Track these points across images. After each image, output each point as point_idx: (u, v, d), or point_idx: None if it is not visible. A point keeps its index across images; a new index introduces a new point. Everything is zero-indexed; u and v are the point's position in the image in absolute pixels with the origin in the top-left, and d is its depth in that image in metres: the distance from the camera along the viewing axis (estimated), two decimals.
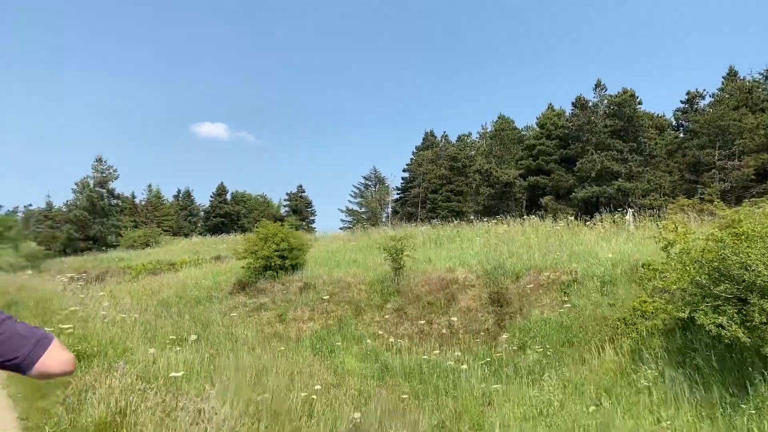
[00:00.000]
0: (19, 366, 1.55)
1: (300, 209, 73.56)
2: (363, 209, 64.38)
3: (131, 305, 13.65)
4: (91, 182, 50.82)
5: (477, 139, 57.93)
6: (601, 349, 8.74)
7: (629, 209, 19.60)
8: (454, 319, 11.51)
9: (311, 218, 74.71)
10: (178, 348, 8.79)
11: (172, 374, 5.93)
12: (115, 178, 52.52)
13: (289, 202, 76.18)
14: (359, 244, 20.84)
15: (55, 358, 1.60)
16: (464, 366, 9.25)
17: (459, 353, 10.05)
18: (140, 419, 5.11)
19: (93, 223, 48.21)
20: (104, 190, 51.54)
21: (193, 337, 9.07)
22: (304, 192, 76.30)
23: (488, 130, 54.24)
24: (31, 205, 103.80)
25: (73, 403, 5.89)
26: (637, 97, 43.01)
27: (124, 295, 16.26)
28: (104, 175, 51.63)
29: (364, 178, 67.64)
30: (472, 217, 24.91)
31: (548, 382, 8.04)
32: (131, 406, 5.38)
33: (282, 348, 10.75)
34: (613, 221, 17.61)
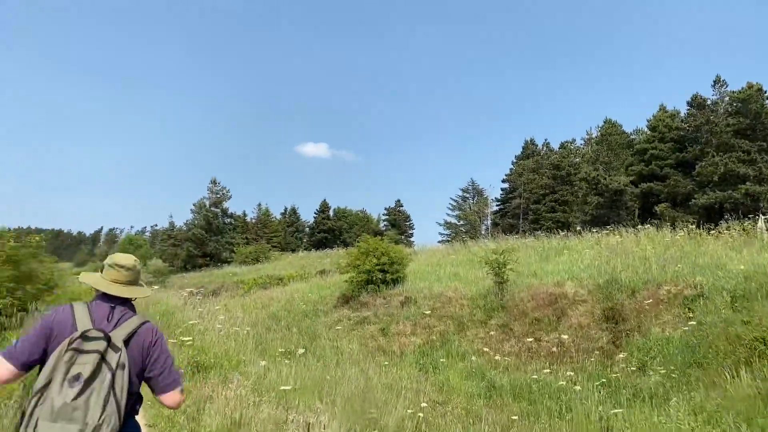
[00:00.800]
0: None
1: (398, 223, 74.28)
2: (461, 222, 63.61)
3: (243, 318, 14.37)
4: (207, 203, 54.72)
5: (581, 146, 55.30)
6: (735, 372, 7.82)
7: (761, 216, 17.61)
8: (565, 336, 10.90)
9: (410, 232, 75.15)
10: (287, 361, 9.07)
11: (283, 387, 6.08)
12: (228, 198, 56.20)
13: (387, 217, 77.24)
14: (459, 258, 20.55)
15: None
16: (577, 387, 8.69)
17: (571, 373, 9.48)
18: (253, 431, 5.25)
19: (209, 240, 51.81)
20: (219, 210, 55.28)
21: (301, 350, 9.32)
22: (402, 206, 77.05)
23: (594, 136, 51.57)
24: (156, 225, 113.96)
25: (193, 413, 6.23)
26: (765, 92, 38.89)
27: (237, 308, 17.18)
28: (218, 195, 55.44)
29: (462, 190, 66.99)
30: (579, 228, 23.69)
31: (676, 407, 7.31)
32: (245, 418, 5.57)
33: (386, 362, 10.76)
34: (743, 229, 15.91)
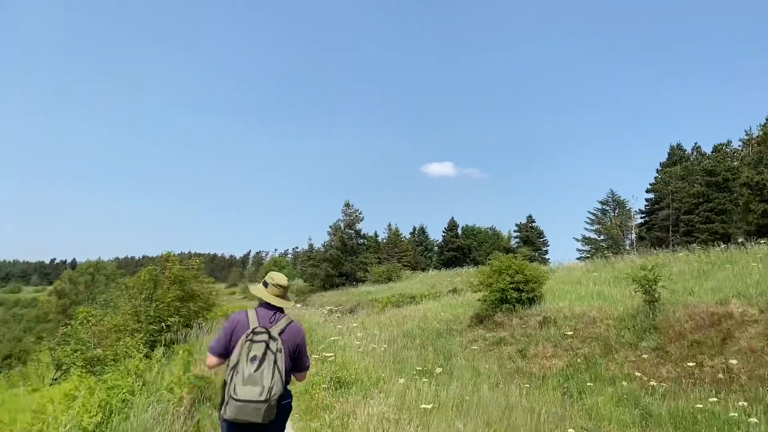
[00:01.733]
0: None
1: (531, 240, 71.62)
2: (601, 237, 59.66)
3: (380, 336, 14.69)
4: (342, 225, 57.29)
5: (739, 147, 49.39)
6: None
7: None
8: (733, 361, 9.65)
9: (544, 249, 72.08)
10: (424, 379, 9.06)
11: (423, 406, 6.06)
12: (361, 220, 58.37)
13: (519, 234, 74.89)
14: (602, 275, 19.23)
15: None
16: (752, 419, 7.61)
17: (743, 403, 8.33)
18: None
19: (345, 261, 54.06)
20: (353, 231, 57.58)
21: (439, 369, 9.26)
22: (534, 222, 74.28)
23: (754, 135, 45.80)
24: (297, 247, 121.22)
25: (338, 427, 6.44)
26: None
27: (374, 326, 17.63)
28: (352, 217, 57.81)
29: (601, 202, 62.85)
30: (741, 240, 21.03)
31: None
32: None
33: (527, 385, 10.33)
34: None
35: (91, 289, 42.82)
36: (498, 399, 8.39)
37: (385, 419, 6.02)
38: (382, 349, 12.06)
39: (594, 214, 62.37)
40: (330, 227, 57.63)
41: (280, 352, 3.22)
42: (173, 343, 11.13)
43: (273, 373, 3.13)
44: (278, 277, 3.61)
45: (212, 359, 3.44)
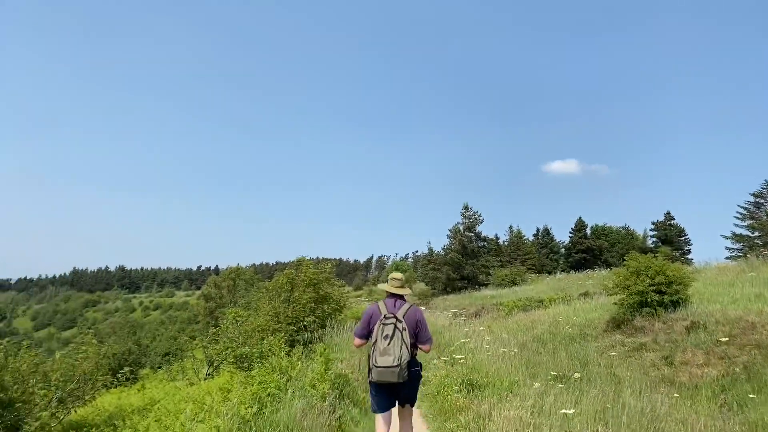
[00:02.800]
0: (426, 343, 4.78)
1: (671, 239, 65.80)
2: (756, 233, 53.18)
3: (509, 340, 14.35)
4: (461, 228, 56.86)
5: None
6: None
7: None
8: None
9: (686, 248, 65.86)
10: (560, 385, 8.70)
11: (564, 411, 5.82)
12: (480, 222, 57.47)
13: (656, 232, 69.16)
14: (761, 276, 17.15)
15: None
16: None
17: None
18: None
19: (465, 264, 53.57)
20: (472, 234, 56.89)
21: (576, 375, 8.83)
22: (673, 219, 68.17)
23: None
24: (417, 251, 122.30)
25: (474, 429, 6.39)
26: None
27: (501, 330, 17.27)
28: (471, 220, 57.13)
29: (753, 195, 55.93)
30: None
31: None
32: None
33: (675, 395, 9.50)
34: None
35: (233, 293, 46.56)
36: (643, 408, 7.81)
37: (523, 423, 5.87)
38: (513, 353, 11.78)
39: (746, 208, 55.73)
40: (449, 230, 57.45)
41: (405, 330, 4.56)
42: (310, 342, 11.76)
43: (401, 346, 4.47)
44: (395, 274, 5.12)
45: (358, 341, 4.89)
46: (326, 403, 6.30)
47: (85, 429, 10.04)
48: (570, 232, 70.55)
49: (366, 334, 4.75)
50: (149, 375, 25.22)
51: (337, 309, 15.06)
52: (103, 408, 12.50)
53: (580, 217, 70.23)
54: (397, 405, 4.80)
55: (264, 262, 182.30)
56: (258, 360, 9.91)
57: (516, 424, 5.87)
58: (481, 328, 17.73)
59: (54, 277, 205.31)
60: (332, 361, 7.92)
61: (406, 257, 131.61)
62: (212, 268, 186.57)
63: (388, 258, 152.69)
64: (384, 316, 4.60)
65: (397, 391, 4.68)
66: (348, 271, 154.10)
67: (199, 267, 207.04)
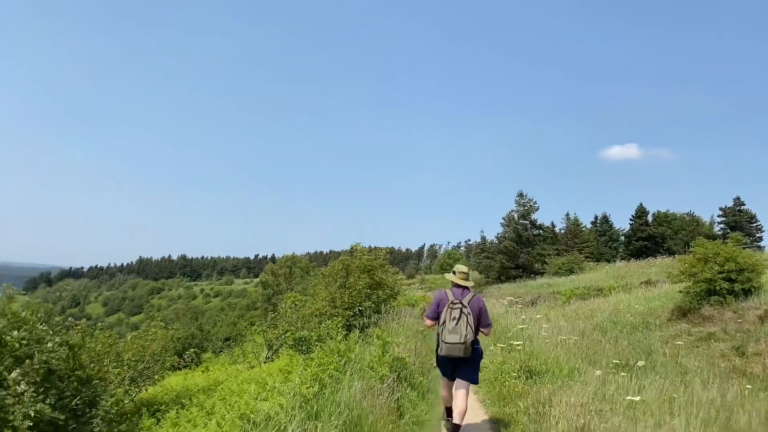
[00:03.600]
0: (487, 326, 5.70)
1: (740, 225, 62.35)
2: None
3: (567, 328, 14.04)
4: (516, 215, 55.89)
5: None
6: None
7: None
8: None
9: (757, 235, 62.29)
10: (623, 373, 8.45)
11: (630, 398, 5.66)
12: (536, 210, 56.33)
13: (724, 218, 65.73)
14: None
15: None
16: None
17: None
18: None
19: (520, 252, 52.71)
20: (527, 222, 55.85)
21: (641, 363, 8.56)
22: (743, 204, 64.58)
23: None
24: (469, 240, 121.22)
25: (534, 415, 6.32)
26: None
27: (559, 318, 16.91)
28: (526, 207, 56.08)
29: None
30: None
31: None
32: (591, 426, 5.37)
33: (748, 386, 9.04)
34: None
35: (289, 281, 47.71)
36: (713, 398, 7.48)
37: (585, 409, 5.75)
38: (572, 340, 11.52)
39: None
40: (503, 218, 56.63)
41: (470, 314, 5.41)
42: (366, 327, 11.91)
43: (466, 327, 5.36)
44: (461, 267, 5.85)
45: (428, 321, 5.84)
46: (385, 385, 6.38)
47: (155, 406, 10.58)
48: (630, 220, 68.03)
49: (435, 317, 5.63)
50: (211, 359, 26.23)
51: (392, 295, 15.15)
52: (170, 387, 13.12)
53: (641, 204, 67.55)
54: (459, 380, 5.55)
55: (318, 251, 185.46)
56: (316, 343, 10.13)
57: (578, 410, 5.76)
58: (538, 315, 17.43)
59: (122, 265, 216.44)
60: (389, 345, 8.00)
61: (459, 246, 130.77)
62: (269, 257, 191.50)
63: (440, 247, 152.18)
64: (451, 302, 5.48)
65: (460, 365, 5.53)
66: (400, 260, 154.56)
67: (256, 256, 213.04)
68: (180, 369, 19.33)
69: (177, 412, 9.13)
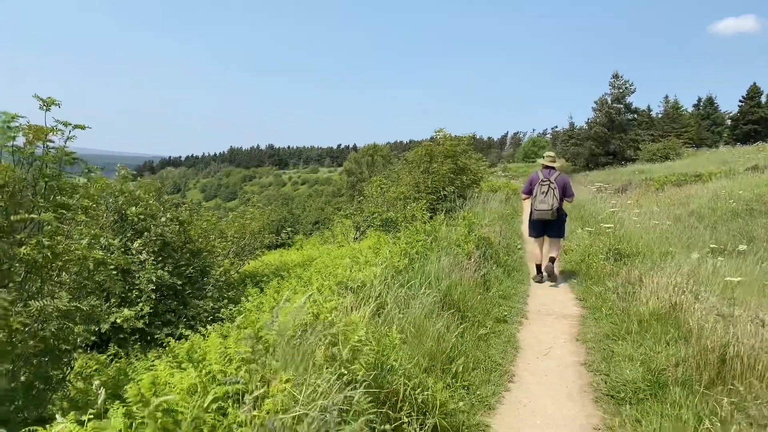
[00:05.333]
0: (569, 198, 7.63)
1: None
2: None
3: (659, 214, 13.51)
4: (609, 99, 52.18)
5: None
6: None
7: None
8: None
9: None
10: (720, 258, 8.14)
11: (728, 278, 5.49)
12: (631, 93, 52.14)
13: None
14: None
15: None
16: None
17: None
18: (694, 316, 4.97)
19: (612, 138, 49.85)
20: (621, 106, 52.07)
21: (742, 246, 8.16)
22: None
23: None
24: (556, 127, 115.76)
25: (623, 294, 6.32)
26: None
27: (651, 204, 16.24)
28: (620, 90, 52.03)
29: None
30: None
31: None
32: (683, 304, 5.32)
33: None
34: None
35: (371, 169, 48.51)
36: None
37: (678, 289, 5.66)
38: (665, 226, 11.13)
39: None
40: (595, 102, 53.10)
41: (555, 188, 7.32)
42: (450, 211, 12.07)
43: (552, 198, 7.30)
44: (549, 152, 7.88)
45: (524, 196, 7.81)
46: (471, 261, 6.57)
47: (257, 278, 11.60)
48: (740, 101, 61.49)
49: (529, 192, 7.63)
50: (302, 240, 27.91)
51: (475, 181, 15.10)
52: (269, 263, 14.25)
53: (754, 83, 60.46)
54: (548, 237, 7.80)
55: (398, 140, 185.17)
56: (402, 224, 10.46)
57: (670, 289, 5.68)
58: (629, 201, 16.83)
59: (215, 154, 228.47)
60: (475, 224, 8.12)
61: (544, 133, 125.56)
62: (350, 146, 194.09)
63: (524, 135, 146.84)
64: (541, 180, 7.42)
65: (548, 227, 7.63)
66: (482, 149, 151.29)
67: (338, 145, 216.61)
68: (275, 248, 20.84)
69: (278, 282, 10.00)
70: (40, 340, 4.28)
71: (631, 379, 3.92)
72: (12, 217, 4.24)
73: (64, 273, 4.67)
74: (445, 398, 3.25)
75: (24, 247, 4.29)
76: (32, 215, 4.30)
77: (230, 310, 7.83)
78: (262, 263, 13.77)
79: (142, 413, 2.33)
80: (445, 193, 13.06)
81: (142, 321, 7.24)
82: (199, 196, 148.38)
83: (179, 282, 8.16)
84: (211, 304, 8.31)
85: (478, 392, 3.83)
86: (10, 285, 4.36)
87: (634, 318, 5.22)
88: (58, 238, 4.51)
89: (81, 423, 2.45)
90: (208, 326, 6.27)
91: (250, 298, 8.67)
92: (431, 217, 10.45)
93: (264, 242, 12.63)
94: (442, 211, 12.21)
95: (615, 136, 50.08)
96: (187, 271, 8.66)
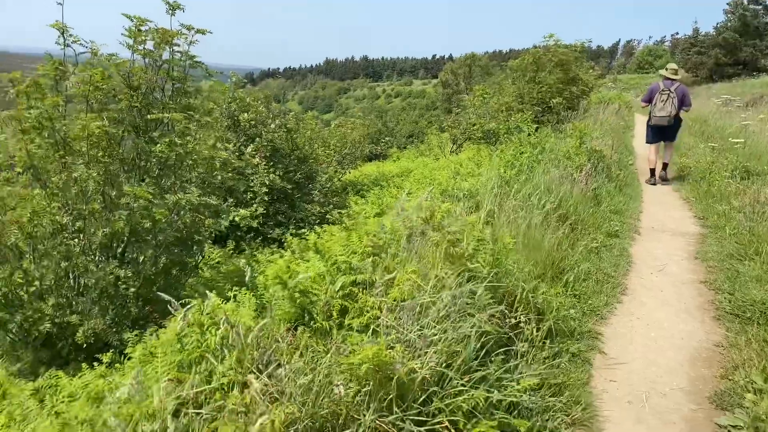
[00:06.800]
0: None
1: None
2: None
3: None
4: (746, 0, 45.65)
5: None
6: None
7: None
8: None
9: None
10: None
11: None
12: None
13: None
14: None
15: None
16: None
17: None
18: None
19: (744, 45, 44.11)
20: (760, 7, 45.46)
21: None
22: None
23: None
24: (677, 33, 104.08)
25: (750, 213, 5.85)
26: None
27: None
28: None
29: None
30: None
31: None
32: None
33: None
34: None
35: (468, 80, 46.79)
36: None
37: None
38: None
39: None
40: (728, 4, 46.69)
41: (674, 98, 7.85)
42: (558, 124, 11.52)
43: (671, 106, 7.87)
44: (672, 65, 8.42)
45: (644, 104, 8.52)
46: (582, 173, 6.31)
47: (357, 187, 11.95)
48: None
49: (649, 100, 8.23)
50: (397, 153, 28.08)
51: (585, 92, 14.15)
52: (367, 173, 14.57)
53: None
54: (664, 142, 8.46)
55: (497, 50, 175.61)
56: (505, 136, 10.16)
57: None
58: (760, 116, 15.14)
59: (311, 66, 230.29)
60: (587, 136, 7.71)
61: (662, 41, 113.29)
62: (446, 56, 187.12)
63: (639, 42, 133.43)
64: (661, 90, 7.97)
65: (665, 132, 8.25)
66: (590, 58, 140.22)
67: (433, 56, 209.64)
68: (371, 160, 21.19)
69: (379, 190, 10.27)
70: (177, 230, 4.73)
71: (760, 299, 3.70)
72: (148, 116, 4.58)
73: (193, 171, 5.04)
74: (558, 304, 3.27)
75: (158, 145, 4.65)
76: (164, 115, 4.62)
77: (337, 213, 8.18)
78: (361, 173, 14.11)
79: (281, 293, 2.56)
80: (552, 104, 12.39)
81: (256, 221, 7.78)
82: (297, 107, 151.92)
83: (289, 186, 8.60)
84: (318, 208, 8.73)
85: (589, 302, 3.80)
86: (147, 180, 4.79)
87: (764, 239, 4.84)
88: (187, 138, 4.84)
89: (227, 299, 2.74)
90: (316, 228, 6.64)
91: (355, 202, 9.01)
92: (536, 130, 10.04)
93: (364, 152, 12.85)
94: (548, 123, 11.67)
95: (748, 43, 44.25)
96: (296, 177, 9.08)
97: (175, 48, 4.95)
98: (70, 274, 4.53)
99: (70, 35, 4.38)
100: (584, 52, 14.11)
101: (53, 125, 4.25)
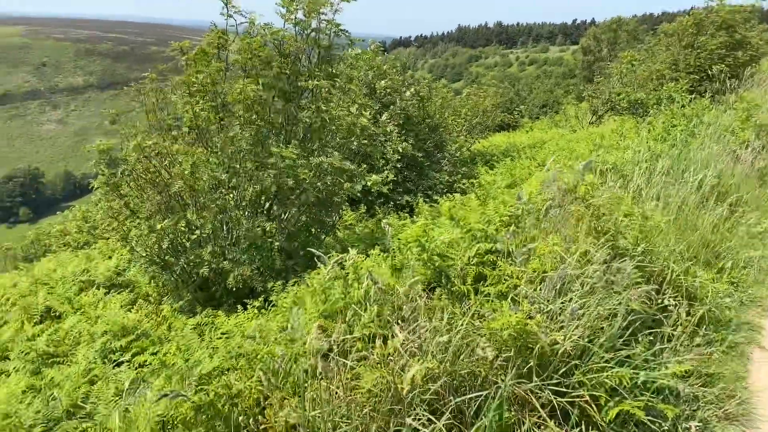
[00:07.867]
0: None
1: None
2: None
3: None
4: None
5: None
6: None
7: None
8: None
9: None
10: None
11: None
12: None
13: None
14: None
15: None
16: None
17: None
18: None
19: None
20: None
21: None
22: None
23: None
24: None
25: None
26: None
27: None
28: None
29: None
30: None
31: None
32: None
33: None
34: None
35: (613, 47, 43.27)
36: None
37: None
38: None
39: None
40: None
41: None
42: (718, 94, 10.34)
43: None
44: None
45: None
46: (748, 150, 5.63)
47: (487, 157, 11.74)
48: None
49: None
50: (529, 123, 27.05)
51: (754, 58, 12.46)
52: (497, 144, 14.24)
53: None
54: None
55: (647, 13, 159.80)
56: (655, 107, 9.35)
57: None
58: None
59: (443, 34, 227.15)
60: (756, 108, 6.83)
61: None
62: (587, 21, 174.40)
63: None
64: None
65: None
66: (763, 19, 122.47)
67: (574, 21, 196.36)
68: (501, 130, 20.62)
69: (509, 162, 10.01)
70: (318, 191, 5.03)
71: None
72: (298, 83, 4.86)
73: (335, 136, 5.30)
74: (713, 290, 3.01)
75: (305, 111, 4.93)
76: (312, 82, 4.86)
77: (465, 184, 8.13)
78: (490, 144, 13.82)
79: (419, 255, 2.64)
80: (712, 72, 11.10)
81: (387, 187, 8.00)
82: (428, 76, 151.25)
83: (419, 154, 8.70)
84: (447, 177, 8.75)
85: (749, 291, 3.44)
86: (294, 143, 5.12)
87: None
88: (331, 104, 5.07)
89: (367, 255, 2.88)
90: (444, 196, 6.65)
91: (486, 172, 8.88)
92: (691, 101, 9.09)
93: (495, 121, 12.54)
94: (706, 93, 10.51)
95: None
96: (426, 145, 9.15)
97: (322, 17, 5.17)
98: (225, 226, 5.02)
99: (233, 6, 4.74)
100: (755, 13, 12.40)
101: (215, 89, 4.67)
